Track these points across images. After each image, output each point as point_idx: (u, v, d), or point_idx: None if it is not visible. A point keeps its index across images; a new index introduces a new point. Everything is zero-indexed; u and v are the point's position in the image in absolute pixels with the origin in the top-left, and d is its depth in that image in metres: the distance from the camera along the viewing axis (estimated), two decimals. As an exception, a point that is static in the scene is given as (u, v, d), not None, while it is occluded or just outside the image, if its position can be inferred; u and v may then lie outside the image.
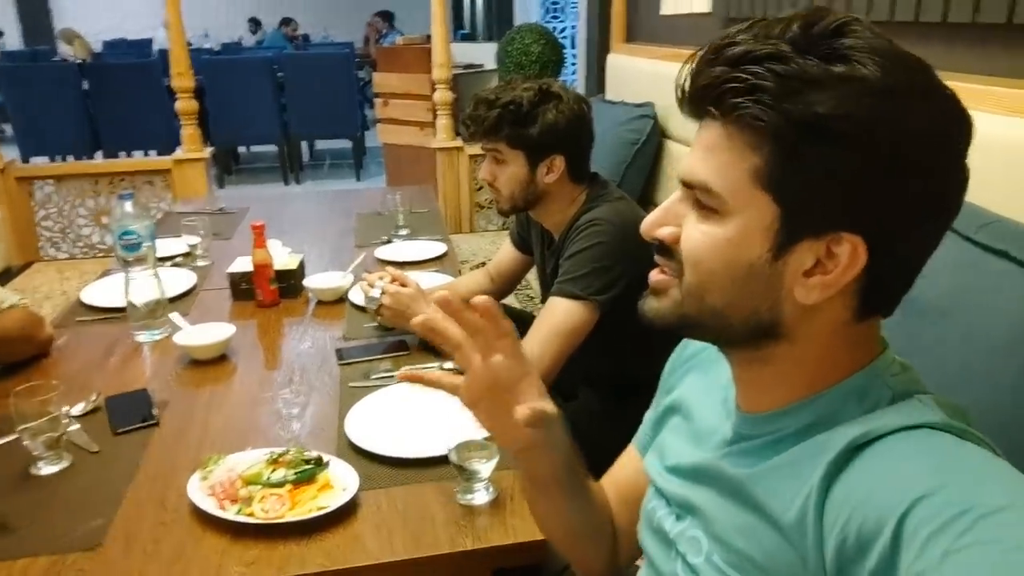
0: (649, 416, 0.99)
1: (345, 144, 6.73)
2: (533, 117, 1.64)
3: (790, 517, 0.63)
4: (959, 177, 0.62)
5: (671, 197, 0.69)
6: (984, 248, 1.20)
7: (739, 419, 0.74)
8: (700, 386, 0.86)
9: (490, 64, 5.33)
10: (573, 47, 6.11)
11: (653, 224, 0.69)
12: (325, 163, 7.41)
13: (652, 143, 2.94)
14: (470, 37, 9.56)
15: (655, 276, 0.71)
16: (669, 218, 0.69)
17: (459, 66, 5.16)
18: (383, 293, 1.64)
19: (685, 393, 0.89)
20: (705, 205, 0.65)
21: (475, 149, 4.29)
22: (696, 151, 0.65)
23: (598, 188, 1.73)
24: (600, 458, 1.62)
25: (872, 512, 0.56)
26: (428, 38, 4.59)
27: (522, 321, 2.19)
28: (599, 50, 4.33)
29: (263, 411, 1.42)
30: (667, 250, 0.69)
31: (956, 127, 0.61)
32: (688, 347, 0.93)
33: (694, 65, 0.63)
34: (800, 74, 0.58)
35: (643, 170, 2.95)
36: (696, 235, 0.66)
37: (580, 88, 4.65)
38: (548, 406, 0.81)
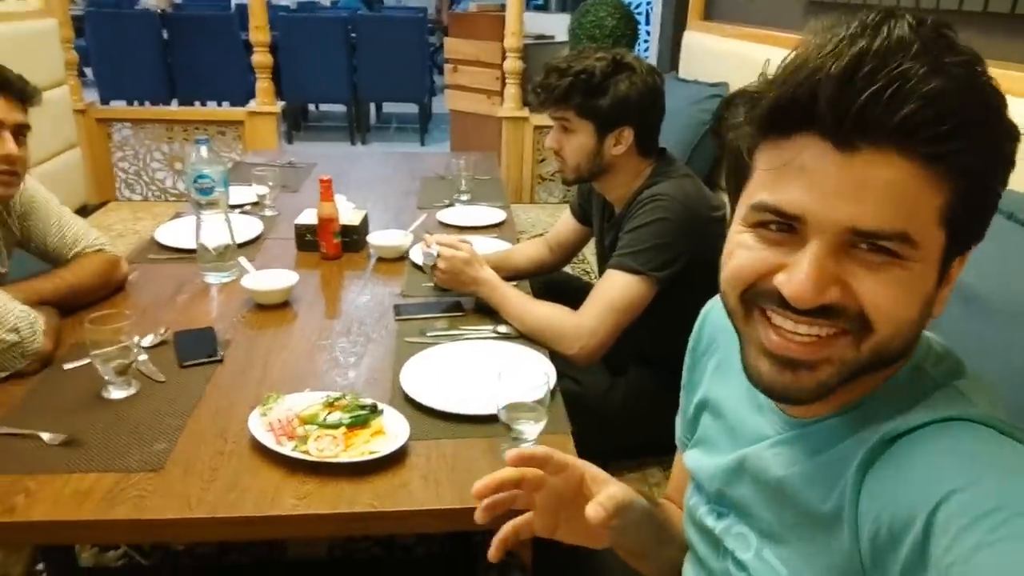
0: (679, 420, 0.98)
1: (412, 108, 6.77)
2: (604, 88, 1.63)
3: (828, 509, 0.64)
4: None
5: (814, 253, 0.57)
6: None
7: (782, 421, 0.72)
8: (724, 380, 0.85)
9: (561, 36, 5.28)
10: (648, 23, 6.01)
11: (817, 290, 0.57)
12: (391, 126, 7.47)
13: (722, 125, 2.90)
14: (543, 7, 9.47)
15: (798, 347, 0.60)
16: (831, 279, 0.58)
17: (530, 36, 5.13)
18: (438, 256, 1.67)
19: (711, 390, 0.88)
20: (885, 252, 0.57)
21: (540, 120, 4.28)
22: (859, 192, 0.55)
23: (665, 163, 1.72)
24: (650, 436, 1.64)
25: (904, 504, 0.56)
26: (502, 6, 4.56)
27: (577, 291, 2.20)
28: (675, 26, 4.25)
29: (321, 357, 1.47)
30: (832, 311, 0.59)
31: None
32: (701, 340, 0.92)
33: (851, 86, 0.54)
34: (987, 100, 0.55)
35: (711, 152, 2.91)
36: (886, 289, 0.58)
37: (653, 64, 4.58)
38: (614, 491, 0.78)
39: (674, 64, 4.04)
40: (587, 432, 1.32)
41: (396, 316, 1.64)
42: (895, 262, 0.57)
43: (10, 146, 1.48)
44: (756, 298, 0.62)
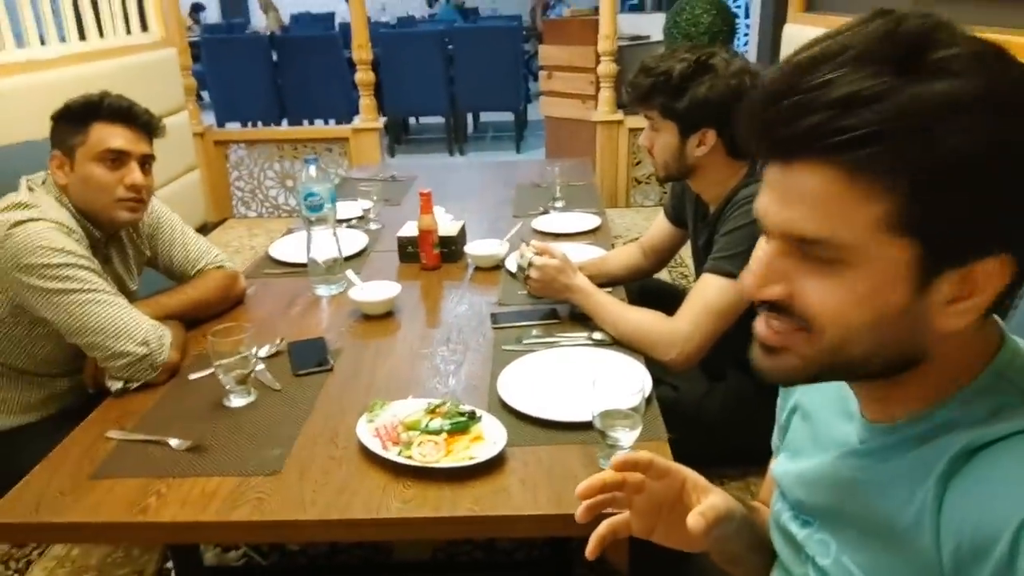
0: (776, 425, 0.97)
1: (508, 117, 6.86)
2: (683, 90, 1.62)
3: (908, 519, 0.62)
4: None
5: (763, 250, 0.63)
6: None
7: (864, 428, 0.72)
8: (817, 387, 0.83)
9: (657, 35, 5.23)
10: (747, 17, 5.87)
11: (757, 286, 0.63)
12: (488, 135, 7.59)
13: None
14: (638, 8, 9.39)
15: (768, 334, 0.65)
16: (775, 276, 0.62)
17: (625, 38, 5.11)
18: (531, 265, 1.69)
19: (803, 395, 0.87)
20: (822, 258, 0.59)
21: (635, 122, 4.26)
22: (792, 200, 0.59)
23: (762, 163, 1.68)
24: (750, 443, 1.61)
25: (988, 518, 0.55)
26: (596, 10, 4.57)
27: (673, 297, 2.18)
28: (775, 20, 4.14)
29: (423, 365, 1.52)
30: (779, 309, 0.63)
31: None
32: None
33: (770, 103, 0.57)
34: (915, 111, 0.53)
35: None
36: (826, 294, 0.60)
37: (751, 59, 4.46)
38: (715, 501, 0.79)
39: (774, 59, 3.94)
40: (685, 439, 1.31)
41: (493, 324, 1.68)
42: (830, 266, 0.59)
43: (136, 176, 1.61)
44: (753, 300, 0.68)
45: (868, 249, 0.57)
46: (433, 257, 2.02)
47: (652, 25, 5.64)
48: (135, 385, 1.46)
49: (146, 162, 1.65)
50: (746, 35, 5.88)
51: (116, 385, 1.46)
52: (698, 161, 1.67)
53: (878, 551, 0.67)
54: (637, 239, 2.15)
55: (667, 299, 2.14)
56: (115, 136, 1.59)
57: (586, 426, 1.21)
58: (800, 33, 3.51)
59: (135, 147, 1.61)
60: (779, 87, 0.57)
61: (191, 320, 1.70)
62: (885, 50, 0.55)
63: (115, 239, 1.73)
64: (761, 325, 0.66)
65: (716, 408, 1.74)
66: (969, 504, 0.57)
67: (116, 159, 1.59)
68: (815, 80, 0.55)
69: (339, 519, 1.10)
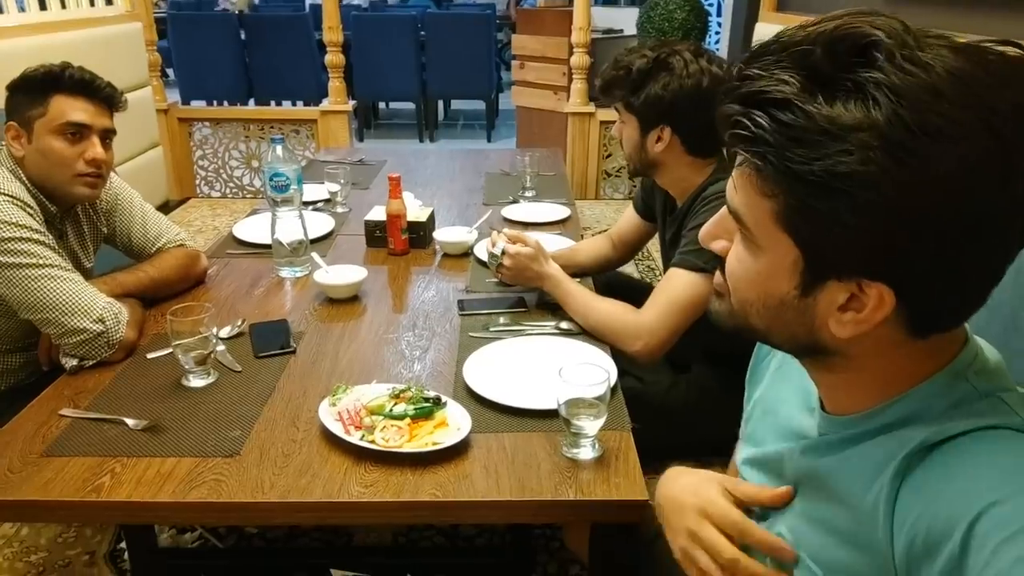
0: (743, 417, 0.98)
1: (479, 105, 6.83)
2: (640, 86, 1.64)
3: (864, 513, 0.63)
4: (1007, 202, 0.55)
5: (723, 209, 0.69)
6: None
7: (823, 420, 0.73)
8: (783, 381, 0.86)
9: (630, 30, 5.23)
10: (719, 15, 5.91)
11: (707, 236, 0.71)
12: (459, 122, 7.55)
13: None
14: (612, 1, 9.40)
15: (716, 278, 0.73)
16: (721, 232, 0.70)
17: (598, 30, 5.11)
18: (503, 253, 1.69)
19: (769, 388, 0.89)
20: (744, 233, 0.65)
21: (606, 115, 4.27)
22: (733, 175, 0.65)
23: (728, 161, 1.70)
24: (713, 435, 1.63)
25: (942, 514, 0.55)
26: (570, 1, 4.56)
27: (640, 292, 2.19)
28: (747, 18, 4.17)
29: (388, 350, 1.51)
30: (721, 262, 0.71)
31: (995, 167, 0.53)
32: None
33: (723, 89, 0.62)
34: (805, 125, 0.54)
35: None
36: (736, 262, 0.67)
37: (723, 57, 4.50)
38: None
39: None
40: (649, 429, 1.33)
41: (460, 311, 1.67)
42: (751, 245, 0.65)
43: (98, 150, 1.56)
44: None
45: (766, 237, 0.62)
46: (401, 242, 2.00)
47: (626, 19, 5.65)
48: (90, 363, 1.43)
49: (107, 136, 1.60)
50: (718, 32, 5.92)
51: (71, 362, 1.42)
52: (659, 157, 1.69)
53: (833, 545, 0.67)
54: (606, 231, 2.15)
55: (633, 294, 2.15)
56: (76, 109, 1.54)
57: (551, 414, 1.21)
58: (771, 31, 3.55)
59: (96, 121, 1.57)
60: (735, 72, 0.61)
61: (150, 299, 1.66)
62: (813, 57, 0.56)
63: (71, 214, 1.68)
64: (718, 273, 0.73)
65: (680, 400, 1.76)
66: (923, 500, 0.58)
67: (76, 133, 1.54)
68: (745, 71, 0.59)
69: (299, 502, 1.08)
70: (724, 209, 0.68)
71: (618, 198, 4.54)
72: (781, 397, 0.84)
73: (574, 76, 4.41)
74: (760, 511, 0.80)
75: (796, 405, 0.80)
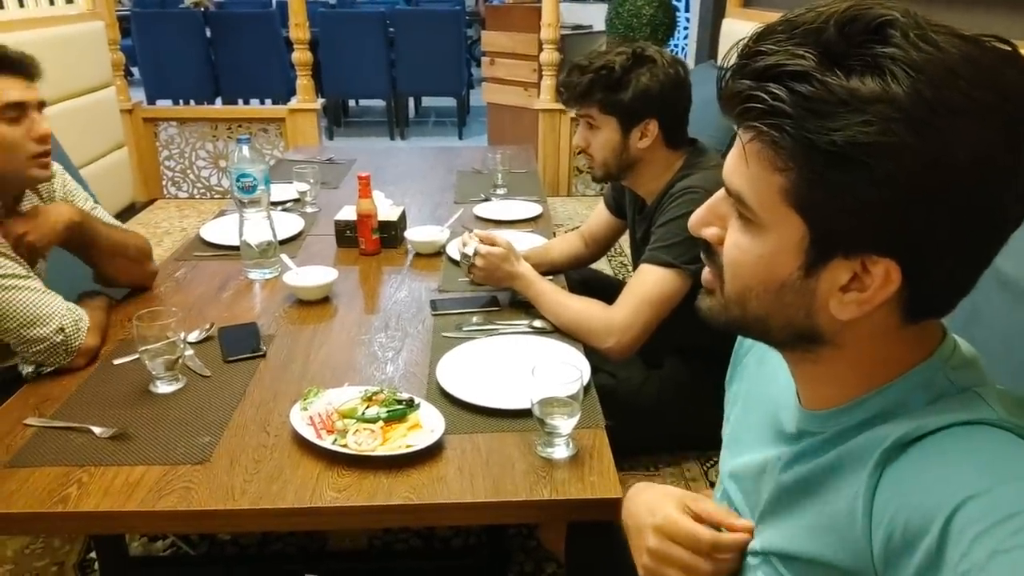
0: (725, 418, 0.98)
1: (450, 102, 6.80)
2: (626, 82, 1.63)
3: (841, 508, 0.63)
4: (1013, 191, 0.56)
5: (716, 194, 0.67)
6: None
7: (801, 415, 0.73)
8: (760, 377, 0.86)
9: (599, 26, 5.24)
10: (687, 11, 5.94)
11: (698, 223, 0.69)
12: (430, 120, 7.51)
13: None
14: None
15: (705, 275, 0.71)
16: (713, 218, 0.68)
17: (567, 27, 5.11)
18: (475, 253, 1.68)
19: (747, 385, 0.89)
20: (743, 215, 0.64)
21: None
22: (735, 155, 0.63)
23: (696, 155, 1.71)
24: (687, 430, 1.64)
25: (920, 509, 0.55)
26: (537, -2, 4.56)
27: (613, 289, 2.20)
28: (715, 14, 4.20)
29: (360, 352, 1.50)
30: (711, 252, 0.69)
31: (1007, 149, 0.55)
32: (747, 339, 0.93)
33: (727, 68, 0.61)
34: (824, 96, 0.54)
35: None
36: (735, 248, 0.66)
37: (691, 54, 4.53)
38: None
39: (713, 53, 4.00)
40: (623, 426, 1.33)
41: (433, 311, 1.66)
42: (748, 224, 0.64)
43: (44, 124, 1.48)
44: None
45: (772, 215, 0.61)
46: (372, 242, 1.99)
47: (594, 15, 5.65)
48: (48, 369, 1.39)
49: (41, 109, 1.51)
50: (686, 28, 5.95)
51: (27, 369, 1.39)
52: (640, 154, 1.69)
53: (813, 542, 0.67)
54: (578, 228, 2.16)
55: (607, 291, 2.16)
56: (9, 89, 1.45)
57: (525, 414, 1.21)
58: (739, 28, 3.57)
59: (31, 95, 1.48)
60: (741, 51, 0.60)
61: (106, 276, 1.64)
62: (826, 35, 0.56)
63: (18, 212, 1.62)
64: (705, 269, 0.71)
65: (653, 396, 1.76)
66: (901, 495, 0.58)
67: (15, 113, 1.45)
68: (756, 48, 0.59)
69: (271, 508, 1.07)
70: (717, 195, 0.67)
71: (590, 195, 4.55)
72: (759, 396, 0.84)
73: (544, 73, 4.41)
74: (738, 509, 0.81)
75: (775, 403, 0.79)
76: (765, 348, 0.84)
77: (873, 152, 0.53)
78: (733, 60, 0.60)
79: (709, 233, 0.68)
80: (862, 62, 0.54)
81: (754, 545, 0.75)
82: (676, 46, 5.89)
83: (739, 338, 0.94)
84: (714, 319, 0.71)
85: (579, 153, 1.84)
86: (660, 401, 1.76)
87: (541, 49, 4.39)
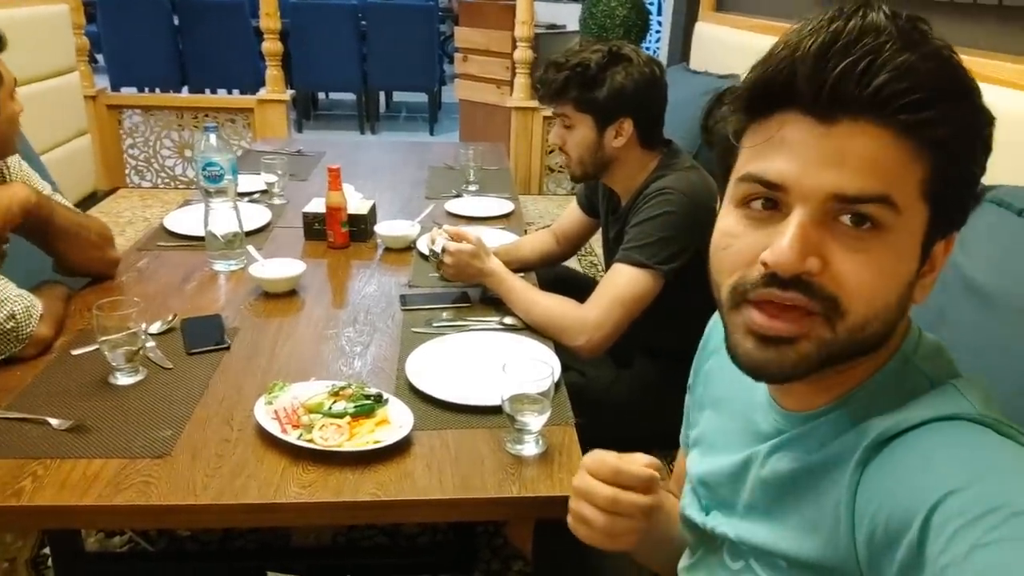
0: (684, 421, 0.98)
1: (421, 97, 6.76)
2: (601, 80, 1.63)
3: (827, 508, 0.63)
4: None
5: (798, 221, 0.58)
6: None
7: (781, 417, 0.72)
8: (727, 380, 0.84)
9: (572, 25, 5.24)
10: (659, 13, 5.97)
11: (801, 255, 0.58)
12: (401, 115, 7.46)
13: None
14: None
15: (777, 323, 0.61)
16: (811, 247, 0.58)
17: (540, 25, 5.11)
18: (444, 250, 1.67)
19: (714, 388, 0.88)
20: (869, 220, 0.58)
21: (550, 110, 4.26)
22: (838, 161, 0.57)
23: (671, 156, 1.71)
24: (655, 430, 1.65)
25: (901, 505, 0.55)
26: (512, -6, 4.55)
27: (584, 286, 2.19)
28: (687, 17, 4.22)
29: (327, 346, 1.47)
30: (805, 284, 0.59)
31: None
32: (711, 339, 0.92)
33: (832, 61, 0.56)
34: (958, 84, 0.57)
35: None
36: (859, 267, 0.58)
37: (663, 55, 4.55)
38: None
39: (685, 55, 4.02)
40: (592, 424, 1.32)
41: (402, 306, 1.64)
42: (876, 234, 0.58)
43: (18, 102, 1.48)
44: (745, 290, 0.62)
45: (909, 212, 0.58)
46: (341, 235, 1.96)
47: (567, 14, 5.66)
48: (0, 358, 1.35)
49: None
50: (658, 31, 5.98)
51: None
52: (615, 153, 1.68)
53: (798, 541, 0.67)
54: (549, 226, 2.15)
55: (578, 288, 2.15)
56: None
57: (494, 410, 1.20)
58: (711, 31, 3.60)
59: (7, 72, 1.46)
60: (834, 49, 0.56)
61: (66, 262, 1.60)
62: (911, 34, 0.57)
63: None
64: (763, 316, 0.61)
65: (623, 395, 1.76)
66: (883, 491, 0.58)
67: None
68: (871, 45, 0.56)
69: (233, 504, 1.04)
70: (805, 222, 0.58)
71: (561, 193, 4.55)
72: (727, 397, 0.83)
73: (517, 71, 4.40)
74: (716, 511, 0.80)
75: (747, 404, 0.78)
76: None
77: (983, 132, 0.59)
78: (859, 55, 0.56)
79: (814, 265, 0.58)
80: (940, 48, 0.59)
81: (738, 537, 0.74)
82: (648, 48, 5.93)
83: (702, 342, 0.94)
84: (796, 371, 0.62)
85: (551, 152, 1.84)
86: (629, 400, 1.76)
87: (515, 47, 4.38)
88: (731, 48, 3.20)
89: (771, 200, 0.61)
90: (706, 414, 0.89)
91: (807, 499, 0.66)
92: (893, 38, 0.56)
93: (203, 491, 1.05)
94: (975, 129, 0.58)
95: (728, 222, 0.65)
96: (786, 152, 0.59)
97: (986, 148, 0.60)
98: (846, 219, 0.58)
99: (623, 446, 1.87)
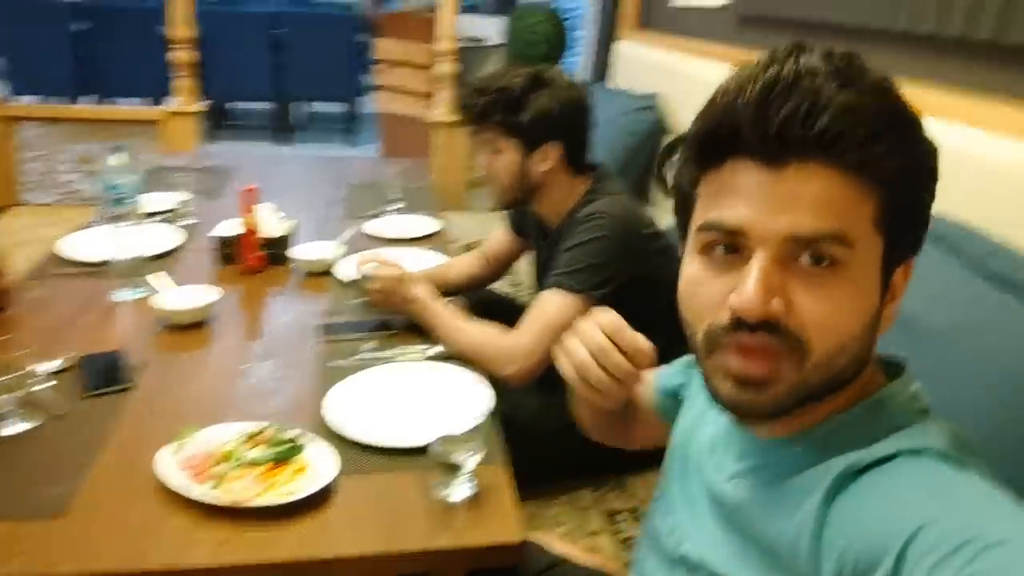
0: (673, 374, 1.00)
1: (340, 108, 6.62)
2: (524, 103, 1.61)
3: (787, 541, 0.62)
4: None
5: (759, 264, 0.59)
6: (989, 279, 1.18)
7: (749, 444, 0.72)
8: (698, 405, 0.85)
9: (494, 39, 5.23)
10: (579, 29, 6.02)
11: (764, 299, 0.59)
12: (318, 126, 7.28)
13: (654, 136, 2.90)
14: (473, 9, 9.40)
15: (753, 366, 0.61)
16: (775, 290, 0.59)
17: (462, 39, 5.08)
18: (368, 278, 1.61)
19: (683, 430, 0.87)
20: (827, 258, 0.59)
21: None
22: (790, 204, 0.58)
23: (600, 180, 1.70)
24: (587, 457, 1.62)
25: (873, 539, 0.55)
26: (431, 7, 4.50)
27: (511, 310, 2.16)
28: (607, 35, 4.26)
29: (241, 384, 1.38)
30: (771, 326, 0.60)
31: None
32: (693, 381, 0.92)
33: (774, 105, 0.57)
34: (897, 119, 0.59)
35: (642, 164, 2.90)
36: (820, 303, 0.60)
37: (584, 73, 4.58)
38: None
39: (603, 74, 4.05)
40: (524, 456, 1.28)
41: (322, 337, 1.56)
42: (834, 271, 0.59)
43: None
44: (717, 336, 0.63)
45: (864, 246, 0.60)
46: (255, 260, 1.86)
47: (489, 28, 5.65)
48: None
49: None
50: (579, 48, 6.02)
51: None
52: (542, 178, 1.66)
53: (748, 569, 0.67)
54: (473, 244, 2.10)
55: (505, 312, 2.11)
56: None
57: (424, 451, 1.13)
58: (632, 50, 3.63)
59: None
60: (774, 94, 0.57)
61: None
62: (848, 72, 0.58)
63: None
64: (738, 359, 0.62)
65: (554, 423, 1.72)
66: (853, 526, 0.57)
67: None
68: (810, 86, 0.57)
69: (136, 570, 0.95)
70: (766, 265, 0.59)
71: (486, 209, 4.51)
72: (694, 445, 0.83)
73: (439, 85, 4.34)
74: (682, 544, 0.78)
75: (709, 443, 0.79)
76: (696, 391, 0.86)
77: (931, 160, 0.62)
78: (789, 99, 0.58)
79: (778, 307, 0.59)
80: (882, 86, 0.62)
81: (700, 559, 0.74)
82: (567, 65, 5.97)
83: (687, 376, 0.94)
84: (776, 409, 0.63)
85: (477, 178, 1.80)
86: (561, 428, 1.72)
87: (437, 60, 4.32)
88: (651, 68, 3.23)
89: (731, 245, 0.62)
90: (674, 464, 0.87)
91: (770, 527, 0.65)
92: (831, 77, 0.57)
93: (102, 556, 0.96)
94: (921, 159, 0.61)
95: (692, 270, 0.66)
96: (741, 198, 0.60)
97: (932, 176, 0.62)
98: (805, 259, 0.60)
99: (555, 476, 1.83)
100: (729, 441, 0.76)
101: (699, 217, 0.65)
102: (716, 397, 0.66)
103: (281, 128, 6.39)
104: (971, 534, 0.51)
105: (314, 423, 1.25)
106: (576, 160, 1.68)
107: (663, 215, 2.61)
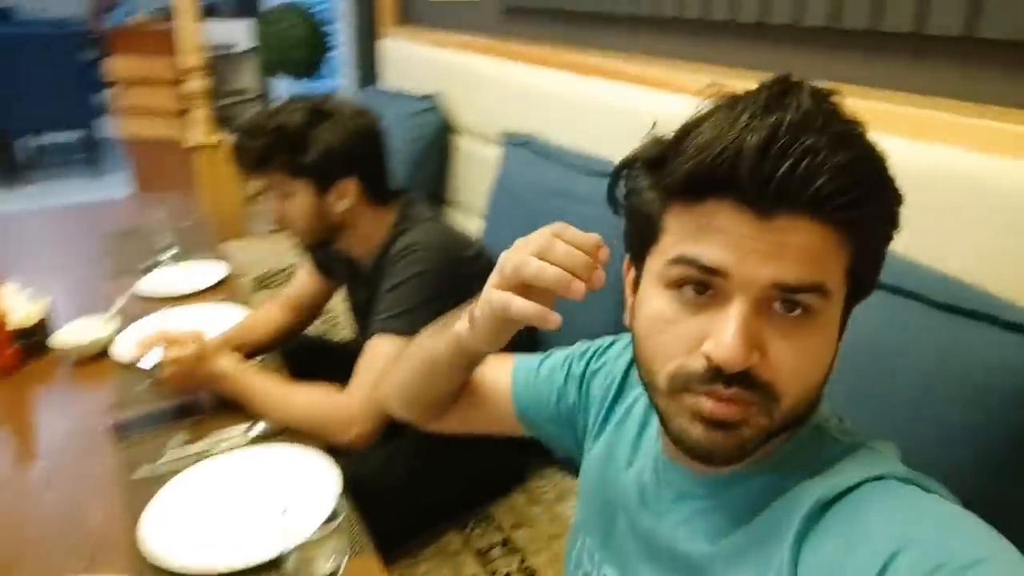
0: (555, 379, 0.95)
1: (74, 136, 5.86)
2: (307, 141, 1.45)
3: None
4: None
5: (740, 312, 0.59)
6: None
7: (686, 484, 0.71)
8: (626, 437, 0.83)
9: (242, 45, 4.86)
10: (332, 23, 5.77)
11: (746, 354, 0.58)
12: (50, 160, 6.39)
13: (440, 138, 2.79)
14: (211, 11, 8.73)
15: (726, 410, 0.61)
16: (753, 340, 0.59)
17: (209, 47, 4.66)
18: (159, 364, 1.38)
19: (612, 436, 0.85)
20: (801, 306, 0.60)
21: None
22: (776, 253, 0.58)
23: (407, 207, 1.58)
24: (444, 498, 1.52)
25: (849, 571, 0.56)
26: (167, 16, 4.07)
27: (330, 351, 2.00)
28: (367, 32, 4.09)
29: (18, 530, 1.10)
30: (749, 380, 0.60)
31: None
32: (629, 382, 0.87)
33: (760, 158, 0.56)
34: (883, 170, 0.60)
35: (431, 169, 2.79)
36: (791, 355, 0.60)
37: (350, 76, 4.38)
38: None
39: (370, 74, 3.89)
40: (382, 515, 1.15)
41: (117, 439, 1.30)
42: (807, 319, 0.60)
43: None
44: (687, 380, 0.62)
45: (836, 295, 0.61)
46: (8, 358, 1.52)
47: (235, 34, 5.25)
48: None
49: None
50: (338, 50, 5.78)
51: None
52: (343, 217, 1.52)
53: None
54: (266, 276, 1.87)
55: (324, 356, 1.93)
56: None
57: (275, 564, 0.96)
58: (399, 48, 3.50)
59: None
60: (775, 149, 0.56)
61: None
62: (837, 119, 0.59)
63: None
64: (711, 402, 0.61)
65: (404, 471, 1.59)
66: (828, 562, 0.57)
67: None
68: (809, 144, 0.56)
69: None
70: (745, 316, 0.59)
71: (267, 232, 4.18)
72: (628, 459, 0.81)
73: (192, 103, 3.93)
74: None
75: (651, 467, 0.76)
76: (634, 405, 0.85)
77: (898, 200, 0.63)
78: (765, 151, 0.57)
79: (756, 359, 0.59)
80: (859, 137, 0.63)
81: None
82: (331, 64, 5.71)
83: (618, 377, 0.88)
84: (741, 452, 0.63)
85: (277, 227, 1.59)
86: (412, 474, 1.59)
87: (184, 78, 3.91)
88: (423, 65, 3.11)
89: (703, 284, 0.61)
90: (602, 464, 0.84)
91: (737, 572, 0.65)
92: (825, 131, 0.57)
93: None
94: (894, 213, 0.63)
95: (659, 305, 0.64)
96: (723, 240, 0.59)
97: (895, 224, 0.63)
98: (778, 306, 0.60)
99: (411, 529, 1.69)
100: (658, 481, 0.74)
101: (671, 249, 0.63)
102: (680, 437, 0.64)
103: (2, 169, 5.52)
104: (943, 557, 0.52)
105: (133, 560, 1.01)
106: (376, 191, 1.54)
107: (465, 218, 2.52)
